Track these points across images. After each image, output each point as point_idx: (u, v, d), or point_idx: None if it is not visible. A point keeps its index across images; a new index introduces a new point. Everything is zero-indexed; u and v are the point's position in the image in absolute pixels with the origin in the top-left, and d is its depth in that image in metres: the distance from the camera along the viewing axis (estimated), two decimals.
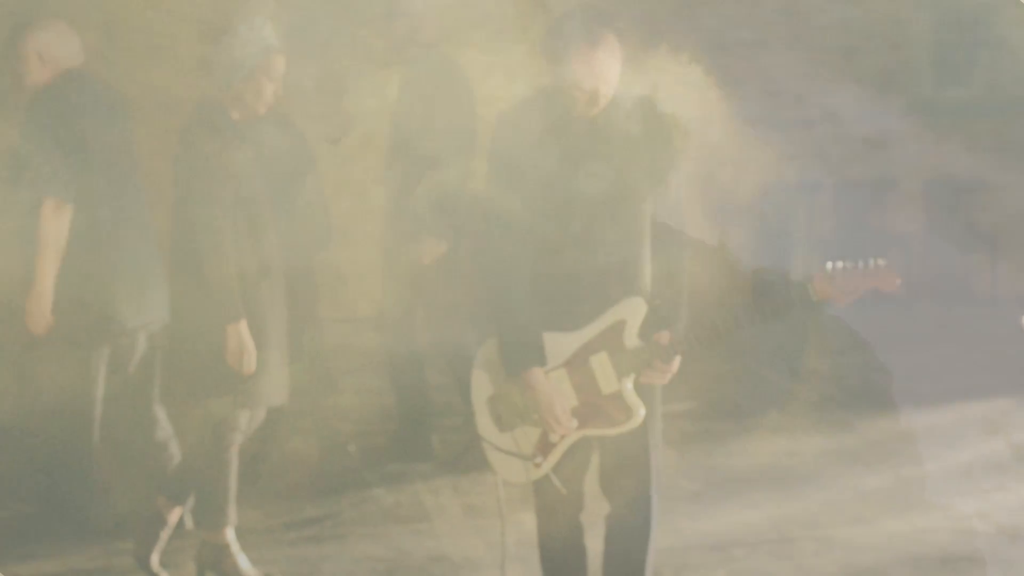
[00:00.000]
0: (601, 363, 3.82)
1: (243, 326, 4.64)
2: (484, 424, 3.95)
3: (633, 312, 3.83)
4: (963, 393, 7.37)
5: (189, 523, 5.17)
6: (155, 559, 4.91)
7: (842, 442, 6.55)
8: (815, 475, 6.05)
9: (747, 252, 9.41)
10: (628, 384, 3.83)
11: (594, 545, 4.20)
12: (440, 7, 7.89)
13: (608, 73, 3.71)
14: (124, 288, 5.13)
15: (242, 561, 4.90)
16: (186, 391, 4.87)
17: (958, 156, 9.92)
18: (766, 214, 9.62)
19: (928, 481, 5.94)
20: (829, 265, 3.75)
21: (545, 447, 3.89)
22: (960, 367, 8.02)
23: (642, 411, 3.83)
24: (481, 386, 3.96)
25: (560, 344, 3.84)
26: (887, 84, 9.78)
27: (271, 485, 5.85)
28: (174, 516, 4.91)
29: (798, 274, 10.03)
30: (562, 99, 3.76)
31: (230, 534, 4.91)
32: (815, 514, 5.54)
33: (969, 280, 9.74)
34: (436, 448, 6.33)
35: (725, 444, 6.51)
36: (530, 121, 3.82)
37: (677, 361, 3.84)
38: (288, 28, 6.00)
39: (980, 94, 9.95)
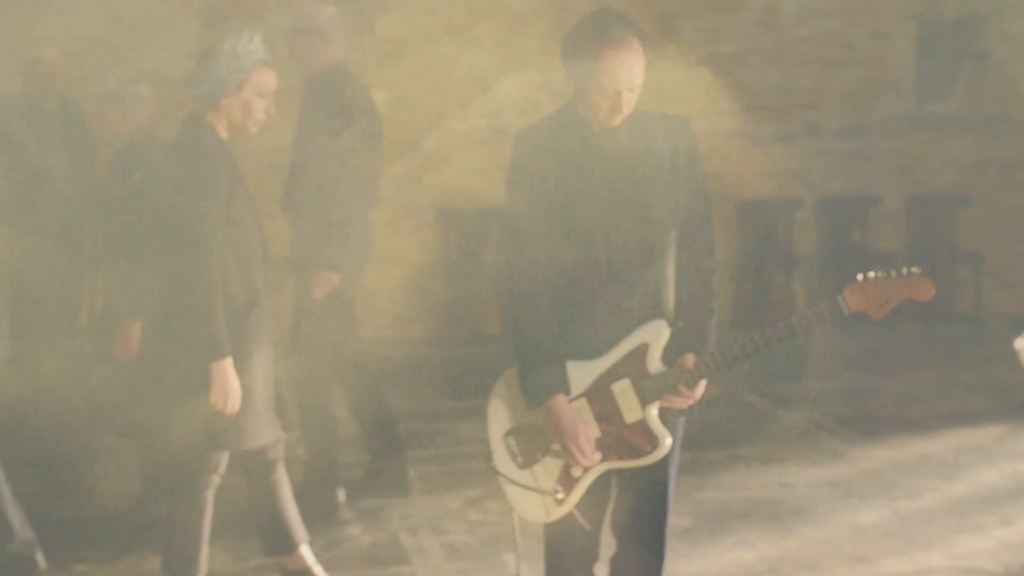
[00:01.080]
0: (623, 390, 3.59)
1: (228, 364, 4.37)
2: (501, 458, 3.69)
3: (656, 335, 3.59)
4: (953, 419, 7.20)
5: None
6: None
7: (834, 472, 6.34)
8: (809, 509, 5.83)
9: (727, 268, 9.23)
10: (653, 411, 3.59)
11: None
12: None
13: (632, 76, 3.48)
14: None
15: None
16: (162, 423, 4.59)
17: (941, 172, 9.79)
18: (746, 230, 9.46)
19: (926, 516, 5.73)
20: (860, 276, 3.52)
21: (567, 482, 3.64)
22: (948, 391, 7.85)
23: (668, 440, 3.59)
24: (499, 417, 3.72)
25: (579, 373, 3.61)
26: (869, 99, 9.64)
27: (240, 525, 5.55)
28: None
29: (777, 292, 9.84)
30: (583, 108, 3.54)
31: None
32: (813, 553, 5.32)
33: (952, 298, 9.60)
34: (413, 481, 6.09)
35: (715, 475, 6.28)
36: (549, 138, 3.59)
37: (702, 385, 3.61)
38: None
39: (963, 109, 9.83)
